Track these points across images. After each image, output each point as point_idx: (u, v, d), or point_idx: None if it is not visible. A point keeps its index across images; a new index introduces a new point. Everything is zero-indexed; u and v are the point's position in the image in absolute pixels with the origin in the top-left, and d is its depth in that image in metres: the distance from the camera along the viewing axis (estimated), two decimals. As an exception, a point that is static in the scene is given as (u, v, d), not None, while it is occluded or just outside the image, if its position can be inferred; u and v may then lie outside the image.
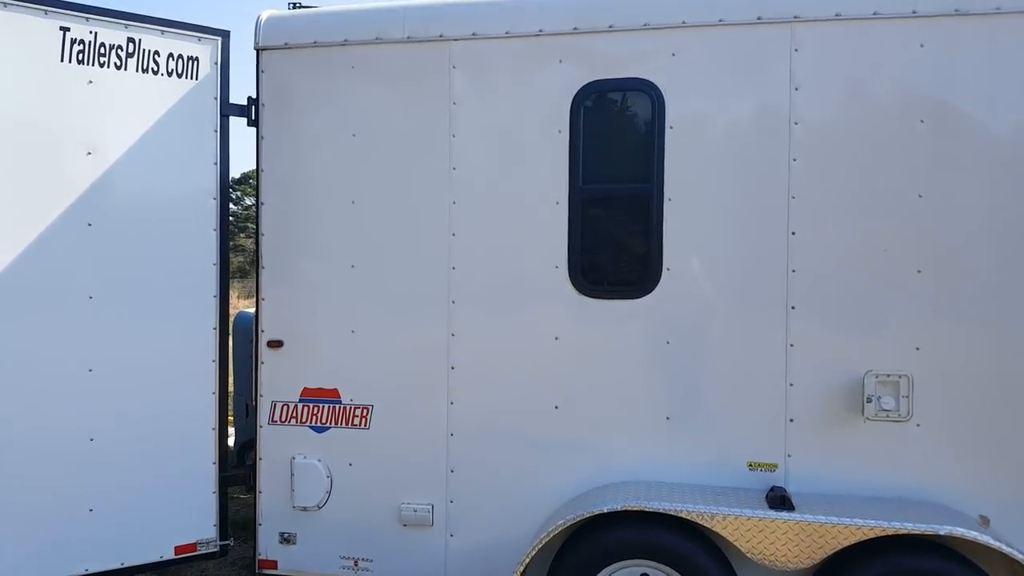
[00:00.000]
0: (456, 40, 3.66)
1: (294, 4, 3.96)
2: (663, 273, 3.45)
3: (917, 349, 3.25)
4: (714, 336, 3.43)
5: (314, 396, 3.80)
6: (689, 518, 3.16)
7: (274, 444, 3.85)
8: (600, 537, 3.27)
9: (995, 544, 2.90)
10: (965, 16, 3.22)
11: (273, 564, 3.84)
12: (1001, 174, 3.19)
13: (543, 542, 3.27)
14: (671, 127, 3.45)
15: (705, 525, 3.15)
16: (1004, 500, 3.17)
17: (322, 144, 3.81)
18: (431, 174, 3.70)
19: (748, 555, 3.11)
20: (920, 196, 3.24)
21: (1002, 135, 3.20)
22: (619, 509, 3.20)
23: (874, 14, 3.28)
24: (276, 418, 3.85)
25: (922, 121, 3.24)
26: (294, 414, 3.83)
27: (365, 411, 3.76)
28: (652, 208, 3.45)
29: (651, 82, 3.47)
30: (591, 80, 3.53)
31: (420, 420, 3.71)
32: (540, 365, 3.59)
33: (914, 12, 3.26)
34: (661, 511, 3.18)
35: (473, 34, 3.64)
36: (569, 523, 3.24)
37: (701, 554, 3.19)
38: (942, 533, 2.95)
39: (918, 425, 3.24)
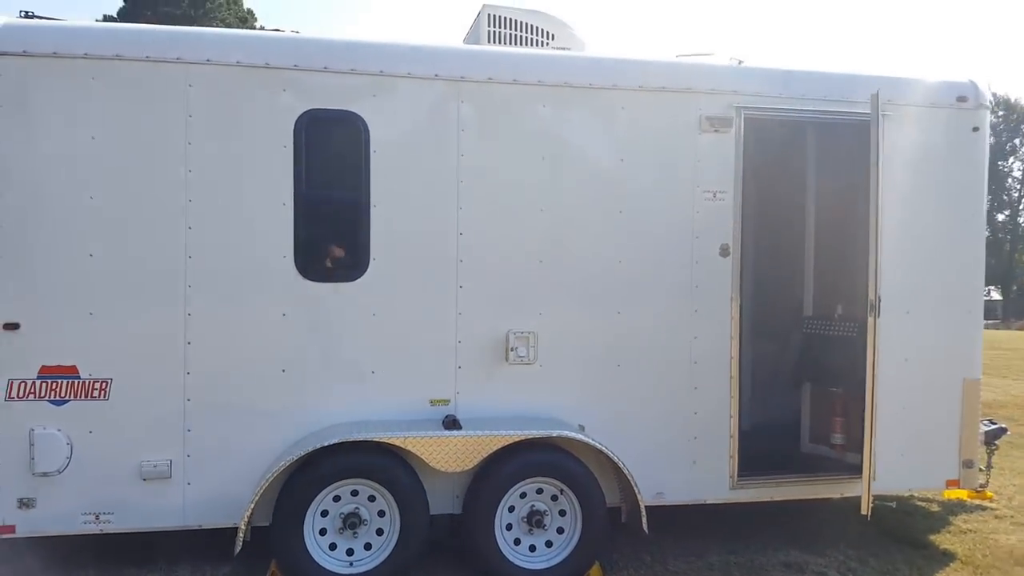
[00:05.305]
0: (192, 64, 4.33)
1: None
2: (370, 262, 4.53)
3: (540, 314, 4.76)
4: (406, 308, 4.60)
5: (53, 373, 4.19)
6: (390, 443, 4.30)
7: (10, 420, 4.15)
8: (319, 465, 4.27)
9: (587, 440, 4.51)
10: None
11: (11, 529, 4.14)
12: (576, 198, 4.80)
13: (282, 468, 4.16)
14: (375, 151, 4.53)
15: (400, 446, 4.31)
16: (592, 415, 4.81)
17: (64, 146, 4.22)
18: (164, 176, 4.33)
19: (431, 464, 4.33)
20: (542, 210, 4.75)
21: (591, 167, 4.85)
22: (338, 441, 4.22)
23: (513, 80, 4.71)
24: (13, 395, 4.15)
25: (543, 159, 4.76)
26: (32, 390, 4.16)
27: (104, 384, 4.25)
28: (361, 212, 4.52)
29: (358, 114, 4.51)
30: (310, 108, 4.46)
31: (158, 389, 4.31)
32: (269, 337, 4.44)
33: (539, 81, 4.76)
34: (369, 439, 4.27)
35: (208, 60, 4.35)
36: (308, 452, 4.17)
37: (398, 468, 4.37)
38: (554, 435, 4.49)
39: (540, 366, 4.76)
